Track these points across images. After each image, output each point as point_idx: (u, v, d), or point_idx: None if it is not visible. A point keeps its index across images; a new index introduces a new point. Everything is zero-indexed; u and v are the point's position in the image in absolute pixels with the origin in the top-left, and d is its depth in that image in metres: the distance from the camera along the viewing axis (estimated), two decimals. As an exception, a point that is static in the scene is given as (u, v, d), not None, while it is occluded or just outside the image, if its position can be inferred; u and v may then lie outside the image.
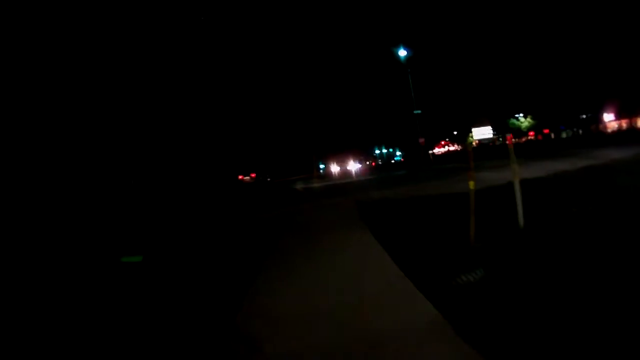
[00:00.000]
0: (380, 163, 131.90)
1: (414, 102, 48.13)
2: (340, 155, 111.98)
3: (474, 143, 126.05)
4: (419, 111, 48.89)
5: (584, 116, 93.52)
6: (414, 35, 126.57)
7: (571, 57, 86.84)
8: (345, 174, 72.83)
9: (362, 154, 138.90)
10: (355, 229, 10.73)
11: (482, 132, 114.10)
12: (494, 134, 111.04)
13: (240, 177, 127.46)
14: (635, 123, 77.08)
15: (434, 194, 15.61)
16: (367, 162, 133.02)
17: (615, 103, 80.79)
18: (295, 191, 37.85)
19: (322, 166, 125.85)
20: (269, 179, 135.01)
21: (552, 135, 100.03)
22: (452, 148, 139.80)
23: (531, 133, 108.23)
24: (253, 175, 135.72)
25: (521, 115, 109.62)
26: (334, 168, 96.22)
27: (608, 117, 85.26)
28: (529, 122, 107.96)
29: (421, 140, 50.63)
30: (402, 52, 48.95)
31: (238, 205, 29.59)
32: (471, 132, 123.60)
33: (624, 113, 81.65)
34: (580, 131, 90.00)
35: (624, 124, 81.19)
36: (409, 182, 24.67)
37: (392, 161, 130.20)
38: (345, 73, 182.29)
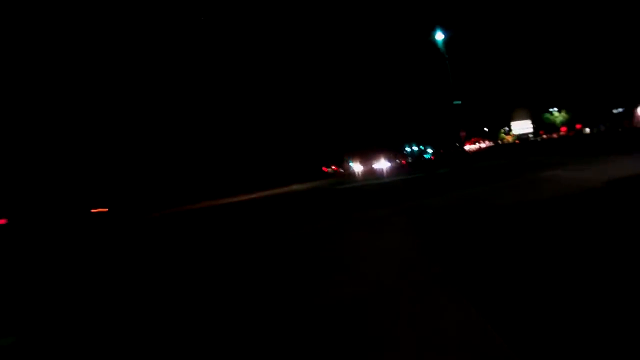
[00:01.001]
0: (410, 161, 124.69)
1: (453, 91, 42.18)
2: (367, 153, 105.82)
3: (507, 138, 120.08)
4: (459, 101, 42.84)
5: (617, 111, 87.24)
6: (447, 22, 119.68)
7: (608, 50, 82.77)
8: (372, 173, 66.01)
9: (391, 151, 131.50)
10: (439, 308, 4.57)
11: (521, 127, 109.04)
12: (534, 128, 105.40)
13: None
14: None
15: (525, 202, 10.39)
16: (397, 160, 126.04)
17: None
18: (316, 196, 30.37)
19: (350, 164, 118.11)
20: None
21: (587, 130, 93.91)
22: (483, 145, 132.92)
23: (563, 128, 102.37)
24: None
25: (555, 109, 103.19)
26: (357, 167, 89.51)
27: None
28: (563, 116, 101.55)
29: (462, 133, 44.85)
30: (440, 36, 42.71)
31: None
32: (503, 128, 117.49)
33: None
34: (618, 127, 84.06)
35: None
36: (462, 183, 18.90)
37: (422, 158, 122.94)
38: (374, 64, 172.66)
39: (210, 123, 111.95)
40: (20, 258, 20.17)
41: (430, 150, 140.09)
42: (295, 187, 57.51)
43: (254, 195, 51.50)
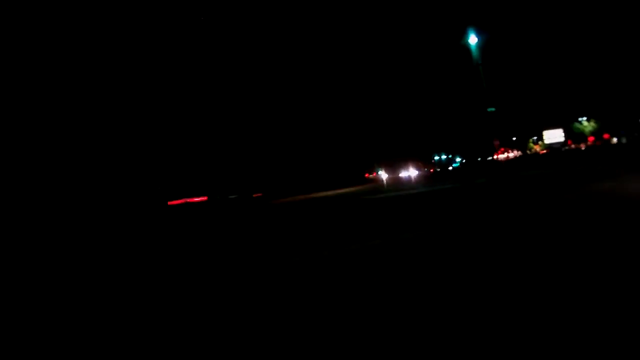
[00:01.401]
0: (438, 170, 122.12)
1: (486, 98, 40.75)
2: (396, 161, 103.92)
3: (535, 147, 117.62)
4: (493, 109, 41.45)
5: None
6: (480, 26, 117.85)
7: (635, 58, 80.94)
8: (399, 181, 64.87)
9: (419, 159, 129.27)
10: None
11: (553, 136, 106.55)
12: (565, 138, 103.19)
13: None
14: None
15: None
16: (425, 169, 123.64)
17: None
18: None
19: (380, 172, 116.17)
20: None
21: (615, 140, 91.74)
22: (511, 154, 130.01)
23: (591, 138, 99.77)
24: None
25: (584, 119, 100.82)
26: (384, 175, 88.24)
27: None
28: (592, 126, 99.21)
29: (496, 142, 43.18)
30: (473, 39, 41.23)
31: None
32: (532, 137, 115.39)
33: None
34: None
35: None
36: (522, 194, 17.63)
37: (450, 168, 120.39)
38: (402, 69, 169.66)
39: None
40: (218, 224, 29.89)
41: (458, 159, 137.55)
42: (347, 189, 66.84)
43: (330, 193, 62.00)
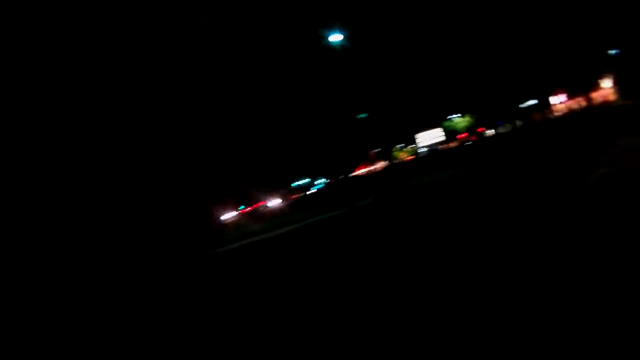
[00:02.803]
0: (305, 194, 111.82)
1: (358, 102, 33.85)
2: (244, 195, 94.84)
3: (401, 155, 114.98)
4: (366, 114, 34.65)
5: (527, 104, 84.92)
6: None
7: (506, 44, 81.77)
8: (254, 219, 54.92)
9: (276, 188, 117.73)
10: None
11: (430, 137, 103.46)
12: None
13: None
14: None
15: None
16: (284, 197, 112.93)
17: (561, 84, 76.00)
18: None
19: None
20: None
21: (491, 132, 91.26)
22: (378, 166, 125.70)
23: (463, 134, 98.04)
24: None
25: (457, 115, 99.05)
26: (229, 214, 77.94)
27: (556, 100, 78.34)
28: (467, 121, 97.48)
29: (371, 153, 36.30)
30: (336, 38, 34.32)
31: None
32: (398, 145, 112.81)
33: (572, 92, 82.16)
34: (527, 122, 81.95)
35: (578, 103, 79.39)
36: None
37: (311, 190, 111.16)
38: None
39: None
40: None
41: (322, 180, 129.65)
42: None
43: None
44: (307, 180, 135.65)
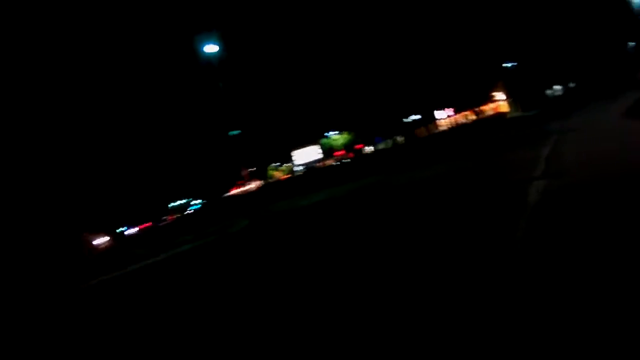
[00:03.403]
0: (178, 217, 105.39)
1: (231, 118, 31.74)
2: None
3: (276, 174, 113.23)
4: (238, 131, 32.46)
5: (410, 119, 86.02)
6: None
7: (382, 56, 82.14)
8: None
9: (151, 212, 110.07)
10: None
11: (307, 154, 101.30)
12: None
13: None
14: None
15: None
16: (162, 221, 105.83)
17: (448, 97, 77.72)
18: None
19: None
20: None
21: (369, 149, 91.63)
22: (252, 185, 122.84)
23: (340, 152, 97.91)
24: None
25: (334, 132, 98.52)
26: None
27: (442, 115, 79.73)
28: (344, 138, 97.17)
29: (245, 172, 34.15)
30: (211, 48, 31.88)
31: None
32: (273, 164, 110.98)
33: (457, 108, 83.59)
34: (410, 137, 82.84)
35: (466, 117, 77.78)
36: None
37: (188, 211, 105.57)
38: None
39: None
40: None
41: (198, 201, 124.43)
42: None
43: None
44: (184, 201, 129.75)
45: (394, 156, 44.85)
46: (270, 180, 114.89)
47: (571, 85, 76.41)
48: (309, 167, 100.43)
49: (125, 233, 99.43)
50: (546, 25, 75.94)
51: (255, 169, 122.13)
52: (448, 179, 13.71)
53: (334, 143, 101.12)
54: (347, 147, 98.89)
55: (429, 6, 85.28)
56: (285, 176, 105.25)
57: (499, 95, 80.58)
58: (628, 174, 6.82)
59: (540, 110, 54.03)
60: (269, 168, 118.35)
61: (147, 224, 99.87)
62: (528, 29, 75.86)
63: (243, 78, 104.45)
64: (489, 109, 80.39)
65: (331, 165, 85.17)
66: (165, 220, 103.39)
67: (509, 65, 77.07)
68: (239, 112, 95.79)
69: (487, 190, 9.43)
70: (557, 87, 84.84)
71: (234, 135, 32.91)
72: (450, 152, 26.74)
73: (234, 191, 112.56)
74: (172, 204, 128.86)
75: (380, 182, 20.60)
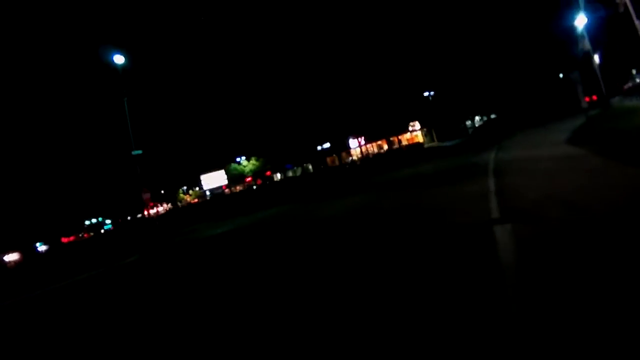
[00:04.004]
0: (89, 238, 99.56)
1: (133, 138, 28.90)
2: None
3: (186, 198, 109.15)
4: (140, 151, 29.52)
5: (322, 147, 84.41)
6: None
7: (295, 84, 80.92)
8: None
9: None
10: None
11: (213, 180, 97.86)
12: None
13: None
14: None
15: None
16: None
17: (361, 126, 76.19)
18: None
19: None
20: None
21: (278, 176, 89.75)
22: (161, 209, 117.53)
23: (249, 179, 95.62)
24: None
25: (244, 158, 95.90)
26: None
27: (354, 144, 78.55)
28: (253, 164, 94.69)
29: (146, 195, 31.10)
30: (118, 59, 29.16)
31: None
32: (183, 187, 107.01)
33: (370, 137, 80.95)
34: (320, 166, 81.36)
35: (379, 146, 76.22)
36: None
37: (104, 229, 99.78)
38: None
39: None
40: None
41: (108, 222, 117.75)
42: None
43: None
44: (99, 219, 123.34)
45: (303, 185, 43.64)
46: (180, 204, 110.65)
47: (493, 116, 77.20)
48: (216, 192, 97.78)
49: (39, 249, 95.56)
50: (468, 55, 77.18)
51: (163, 191, 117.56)
52: (365, 217, 11.54)
53: (243, 168, 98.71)
54: (257, 173, 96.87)
55: (345, 33, 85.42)
56: (195, 200, 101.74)
57: (416, 125, 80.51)
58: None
59: (461, 141, 53.64)
60: (179, 191, 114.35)
61: (65, 239, 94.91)
62: (449, 58, 76.71)
63: (153, 97, 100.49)
64: (404, 139, 79.85)
65: (240, 191, 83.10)
66: (81, 237, 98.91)
67: (428, 94, 77.23)
68: (146, 131, 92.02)
69: (419, 242, 6.85)
70: (477, 118, 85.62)
71: (137, 155, 29.67)
72: (363, 183, 24.96)
73: (145, 212, 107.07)
74: (88, 222, 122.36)
75: (284, 213, 18.32)
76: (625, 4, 21.79)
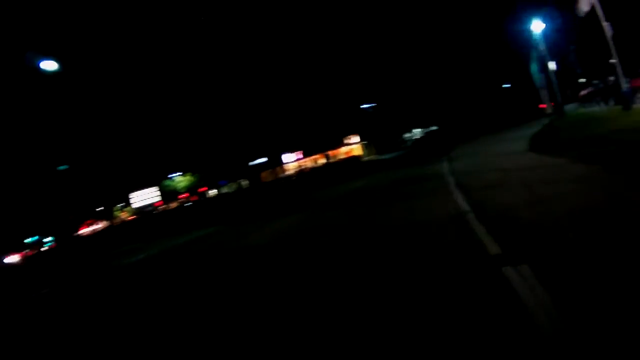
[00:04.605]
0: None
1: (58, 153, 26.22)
2: None
3: (122, 214, 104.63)
4: (66, 166, 27.01)
5: (256, 162, 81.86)
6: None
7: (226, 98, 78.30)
8: None
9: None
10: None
11: (145, 196, 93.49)
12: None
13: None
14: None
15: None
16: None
17: (297, 140, 73.95)
18: None
19: None
20: None
21: (213, 192, 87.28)
22: (98, 226, 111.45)
23: (184, 195, 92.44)
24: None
25: (178, 174, 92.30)
26: None
27: (289, 158, 76.08)
28: (188, 180, 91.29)
29: (70, 216, 28.28)
30: (48, 65, 25.93)
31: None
32: (119, 204, 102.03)
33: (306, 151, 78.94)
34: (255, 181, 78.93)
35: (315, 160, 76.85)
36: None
37: (43, 248, 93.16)
38: None
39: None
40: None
41: (50, 238, 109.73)
42: None
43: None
44: (37, 237, 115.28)
45: (237, 202, 41.34)
46: (115, 221, 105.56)
47: (434, 128, 76.59)
48: (146, 209, 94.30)
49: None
50: (407, 67, 76.47)
51: (102, 208, 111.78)
52: (298, 246, 9.35)
53: (177, 185, 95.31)
54: (191, 189, 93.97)
55: (280, 45, 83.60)
56: (131, 217, 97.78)
57: (353, 138, 79.07)
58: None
59: (402, 153, 52.05)
60: (114, 208, 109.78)
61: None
62: (388, 70, 75.75)
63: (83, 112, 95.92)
64: (341, 152, 77.82)
65: (174, 208, 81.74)
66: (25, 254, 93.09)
67: (367, 106, 75.98)
68: (78, 146, 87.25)
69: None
70: (417, 130, 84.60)
71: (63, 170, 27.09)
72: (299, 200, 22.41)
73: (83, 230, 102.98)
74: (27, 240, 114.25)
75: (209, 239, 15.71)
76: (587, 7, 20.84)
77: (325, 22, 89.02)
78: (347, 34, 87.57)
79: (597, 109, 26.87)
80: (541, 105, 51.50)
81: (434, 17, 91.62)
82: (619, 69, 20.09)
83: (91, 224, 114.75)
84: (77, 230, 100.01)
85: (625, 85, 19.97)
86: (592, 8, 20.58)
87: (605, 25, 19.56)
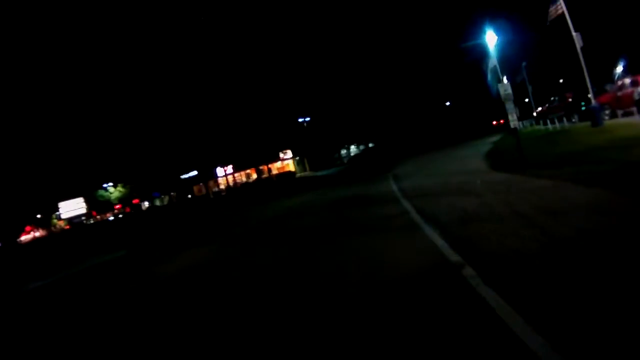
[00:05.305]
0: None
1: None
2: None
3: (59, 223, 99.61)
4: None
5: (188, 175, 78.85)
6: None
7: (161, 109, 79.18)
8: None
9: None
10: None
11: (72, 207, 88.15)
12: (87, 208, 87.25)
13: None
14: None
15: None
16: None
17: (229, 154, 72.77)
18: None
19: None
20: None
21: (146, 204, 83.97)
22: (37, 234, 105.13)
23: (118, 206, 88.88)
24: None
25: (111, 184, 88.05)
26: None
27: (221, 172, 72.90)
28: (120, 191, 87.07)
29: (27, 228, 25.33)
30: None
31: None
32: (56, 212, 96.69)
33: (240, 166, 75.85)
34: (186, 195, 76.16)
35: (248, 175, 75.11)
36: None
37: None
38: None
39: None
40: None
41: None
42: None
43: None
44: None
45: (167, 217, 38.38)
46: (53, 229, 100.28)
47: (370, 145, 74.89)
48: (76, 221, 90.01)
49: None
50: (343, 82, 74.67)
51: (40, 216, 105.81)
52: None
53: (109, 195, 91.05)
54: (124, 200, 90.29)
55: (217, 55, 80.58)
56: (68, 226, 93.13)
57: (287, 153, 76.33)
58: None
59: (338, 170, 49.39)
60: (53, 216, 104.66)
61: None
62: (323, 84, 73.84)
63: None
64: (274, 167, 75.03)
65: (106, 220, 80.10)
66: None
67: (302, 120, 73.46)
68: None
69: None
70: (353, 147, 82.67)
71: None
72: (222, 224, 18.59)
73: (24, 237, 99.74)
74: None
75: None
76: (552, 17, 19.13)
77: (262, 33, 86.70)
78: (285, 45, 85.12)
79: (558, 125, 25.12)
80: (502, 121, 50.51)
81: (375, 32, 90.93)
82: (589, 84, 18.54)
83: (31, 232, 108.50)
84: (19, 236, 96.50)
85: (593, 101, 18.74)
86: (550, 22, 19.26)
87: (576, 35, 17.94)
